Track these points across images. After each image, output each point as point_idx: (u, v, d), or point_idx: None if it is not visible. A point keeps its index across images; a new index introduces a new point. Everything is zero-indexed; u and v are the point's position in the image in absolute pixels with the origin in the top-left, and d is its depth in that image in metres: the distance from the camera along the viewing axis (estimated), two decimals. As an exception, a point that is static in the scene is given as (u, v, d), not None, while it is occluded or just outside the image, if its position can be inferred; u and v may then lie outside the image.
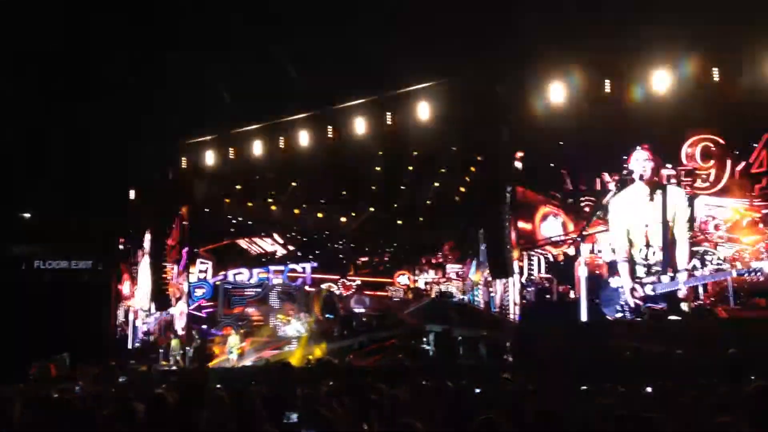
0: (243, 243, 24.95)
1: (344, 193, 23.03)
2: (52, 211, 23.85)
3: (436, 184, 21.93)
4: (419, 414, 5.47)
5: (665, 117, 15.93)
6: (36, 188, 22.79)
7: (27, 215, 25.16)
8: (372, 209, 23.11)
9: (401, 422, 4.08)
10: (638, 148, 16.80)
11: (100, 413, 5.52)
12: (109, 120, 19.04)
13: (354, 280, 24.18)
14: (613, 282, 16.92)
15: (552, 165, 18.14)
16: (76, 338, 20.38)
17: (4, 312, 21.79)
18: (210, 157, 21.05)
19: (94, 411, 5.61)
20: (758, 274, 15.30)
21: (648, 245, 16.72)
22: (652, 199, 16.75)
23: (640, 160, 16.82)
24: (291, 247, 24.84)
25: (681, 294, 16.13)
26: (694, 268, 16.08)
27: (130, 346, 24.70)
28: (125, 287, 25.80)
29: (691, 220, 16.38)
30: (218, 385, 9.80)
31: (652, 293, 16.42)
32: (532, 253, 18.23)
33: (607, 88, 16.19)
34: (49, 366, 17.57)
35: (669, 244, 16.46)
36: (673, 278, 16.24)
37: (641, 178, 16.80)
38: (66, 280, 24.75)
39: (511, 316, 18.01)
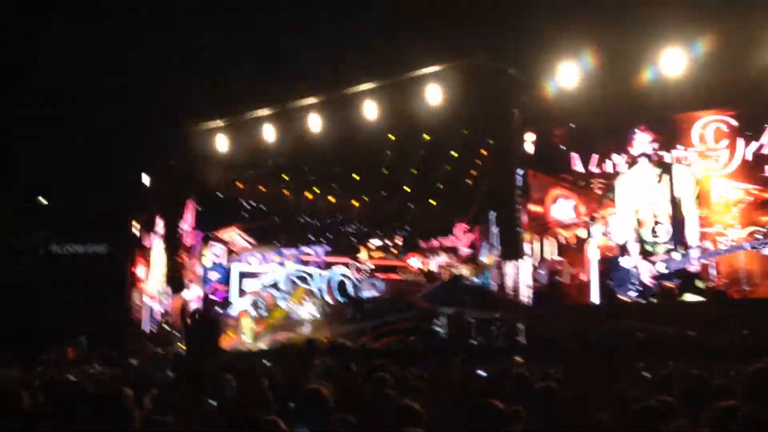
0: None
1: (356, 177, 23.04)
2: (66, 195, 24.01)
3: (448, 168, 21.89)
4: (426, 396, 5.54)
5: (677, 97, 15.84)
6: (50, 173, 22.96)
7: (43, 200, 25.35)
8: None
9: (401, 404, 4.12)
10: (639, 130, 16.84)
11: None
12: (120, 105, 19.15)
13: (366, 264, 24.21)
14: (623, 262, 16.93)
15: (563, 147, 18.09)
16: (93, 322, 20.59)
17: (22, 297, 22.03)
18: (222, 142, 21.10)
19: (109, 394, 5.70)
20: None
21: (657, 224, 16.72)
22: (659, 179, 16.74)
23: (644, 142, 16.82)
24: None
25: (693, 269, 16.11)
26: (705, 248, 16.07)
27: (146, 330, 24.90)
28: (139, 271, 25.98)
29: (698, 199, 16.33)
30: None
31: (666, 271, 16.42)
32: (544, 235, 18.21)
33: (618, 69, 16.10)
34: (67, 350, 17.84)
35: (678, 223, 16.44)
36: (684, 255, 16.23)
37: (648, 158, 16.80)
38: (81, 264, 24.94)
39: (524, 299, 18.03)
